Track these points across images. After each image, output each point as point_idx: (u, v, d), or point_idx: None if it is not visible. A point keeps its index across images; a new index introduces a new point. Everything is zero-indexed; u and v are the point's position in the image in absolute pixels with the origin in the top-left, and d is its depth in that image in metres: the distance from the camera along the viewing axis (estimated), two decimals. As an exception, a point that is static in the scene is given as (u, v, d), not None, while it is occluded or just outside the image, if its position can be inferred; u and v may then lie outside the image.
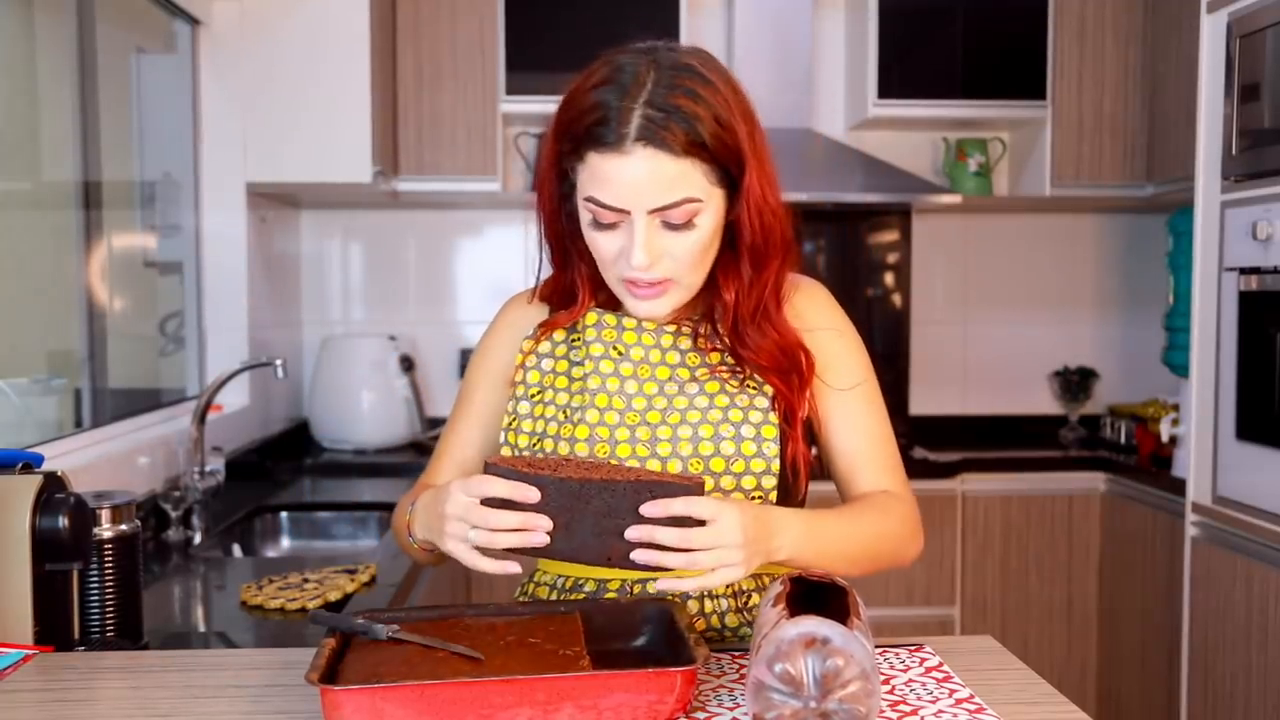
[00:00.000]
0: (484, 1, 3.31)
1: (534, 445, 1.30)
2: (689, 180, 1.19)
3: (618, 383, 1.30)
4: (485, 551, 1.13)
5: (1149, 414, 3.37)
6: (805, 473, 1.30)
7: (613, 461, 1.26)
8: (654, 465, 1.25)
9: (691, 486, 1.09)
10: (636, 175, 1.17)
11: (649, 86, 1.18)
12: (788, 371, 1.29)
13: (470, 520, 1.10)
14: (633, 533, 1.08)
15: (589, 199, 1.21)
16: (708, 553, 1.08)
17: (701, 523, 1.08)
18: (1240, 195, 2.48)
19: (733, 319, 1.29)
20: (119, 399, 2.59)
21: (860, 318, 1.41)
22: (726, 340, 1.31)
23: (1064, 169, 3.46)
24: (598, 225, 1.23)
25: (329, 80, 2.94)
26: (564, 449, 1.27)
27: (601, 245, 1.24)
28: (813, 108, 3.58)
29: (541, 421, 1.31)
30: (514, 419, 1.33)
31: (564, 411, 1.30)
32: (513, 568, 1.12)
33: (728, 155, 1.20)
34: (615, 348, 1.32)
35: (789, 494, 1.29)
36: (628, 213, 1.19)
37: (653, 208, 1.18)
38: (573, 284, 1.34)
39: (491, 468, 1.11)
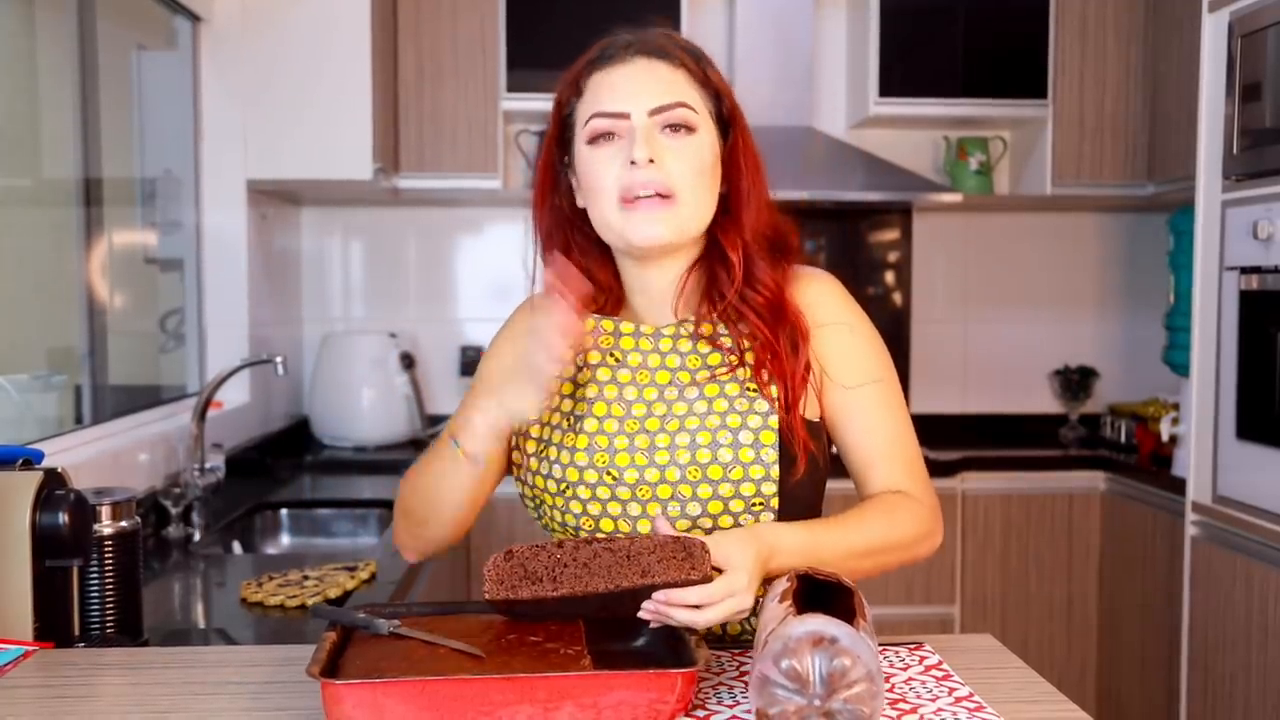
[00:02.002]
0: (485, -1, 3.31)
1: (540, 452, 1.29)
2: (685, 89, 1.26)
3: (616, 390, 1.29)
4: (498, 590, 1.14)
5: (1149, 413, 3.37)
6: (803, 455, 1.24)
7: (609, 521, 1.25)
8: (652, 474, 1.23)
9: (696, 582, 1.06)
10: (636, 77, 1.25)
11: (646, 34, 1.30)
12: (784, 321, 1.27)
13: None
14: (647, 616, 1.09)
15: (592, 116, 1.26)
16: (718, 619, 1.09)
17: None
18: (1241, 195, 2.47)
19: (742, 270, 1.28)
20: (119, 396, 2.59)
21: (861, 316, 1.39)
22: (731, 312, 1.28)
23: (1065, 168, 3.46)
24: (596, 144, 1.26)
25: (330, 77, 2.94)
26: (565, 457, 1.26)
27: (600, 164, 1.25)
28: (814, 106, 3.58)
29: (546, 429, 1.31)
30: (522, 425, 1.32)
31: (567, 419, 1.29)
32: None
33: (719, 87, 1.29)
34: (613, 354, 1.30)
35: (789, 469, 1.24)
36: (627, 116, 1.24)
37: (652, 107, 1.24)
38: None
39: (490, 594, 1.11)
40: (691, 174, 1.24)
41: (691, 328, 1.30)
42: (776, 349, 1.26)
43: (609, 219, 1.26)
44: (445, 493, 1.27)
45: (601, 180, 1.25)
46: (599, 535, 1.21)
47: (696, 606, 1.07)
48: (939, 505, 1.31)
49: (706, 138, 1.26)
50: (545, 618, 1.15)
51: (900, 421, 1.32)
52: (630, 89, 1.24)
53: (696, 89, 1.27)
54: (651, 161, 1.22)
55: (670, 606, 1.07)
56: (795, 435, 1.25)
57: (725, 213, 1.30)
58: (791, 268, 1.33)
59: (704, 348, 1.29)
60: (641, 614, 1.08)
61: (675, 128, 1.24)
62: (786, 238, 1.32)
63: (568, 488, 1.26)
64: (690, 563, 1.06)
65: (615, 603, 1.09)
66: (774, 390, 1.26)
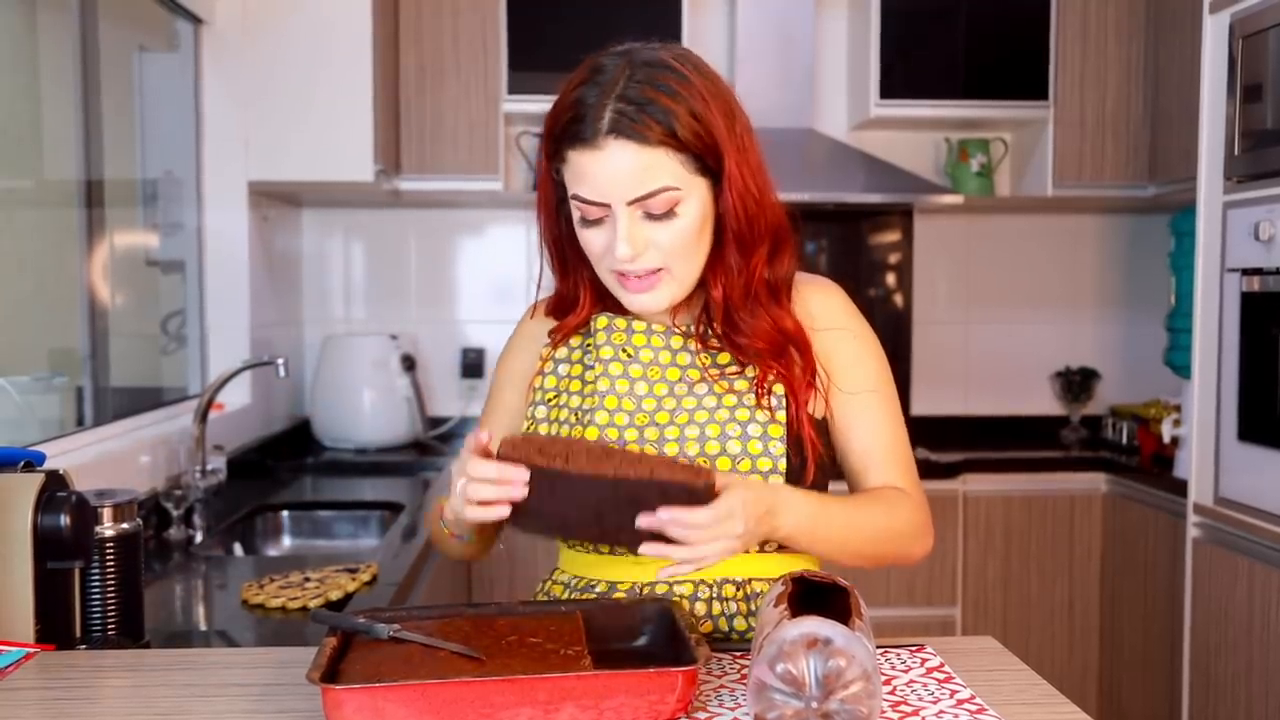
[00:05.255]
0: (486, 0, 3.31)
1: None
2: (664, 169, 1.21)
3: (627, 384, 1.31)
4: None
5: (1151, 415, 3.37)
6: (813, 457, 1.29)
7: (630, 448, 1.27)
8: None
9: (699, 487, 1.10)
10: (611, 168, 1.20)
11: (622, 82, 1.21)
12: (785, 354, 1.30)
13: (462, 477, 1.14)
14: (644, 520, 1.09)
15: (573, 197, 1.24)
16: (712, 545, 1.11)
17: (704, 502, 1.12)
18: (1242, 196, 2.47)
19: (723, 310, 1.30)
20: (121, 397, 2.59)
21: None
22: (721, 339, 1.32)
23: (1066, 169, 3.46)
24: (585, 222, 1.25)
25: (331, 79, 2.94)
26: None
27: (591, 241, 1.26)
28: (815, 108, 3.57)
29: (556, 425, 1.33)
30: (531, 423, 1.36)
31: (576, 414, 1.32)
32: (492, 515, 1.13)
33: (703, 147, 1.22)
34: (625, 350, 1.33)
35: (797, 481, 1.28)
36: (609, 206, 1.22)
37: (630, 199, 1.21)
38: (574, 289, 1.36)
39: (504, 454, 1.12)
40: (679, 249, 1.24)
41: (702, 328, 1.34)
42: (779, 368, 1.30)
43: (607, 283, 1.29)
44: (450, 546, 1.34)
45: (593, 251, 1.27)
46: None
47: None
48: (930, 512, 1.36)
49: (692, 204, 1.23)
50: (546, 517, 1.14)
51: (897, 430, 1.36)
52: (606, 180, 1.20)
53: (678, 159, 1.21)
54: (636, 256, 1.23)
55: (668, 523, 1.09)
56: (804, 434, 1.28)
57: (717, 246, 1.29)
58: (795, 276, 1.35)
59: (714, 345, 1.33)
60: (640, 520, 1.09)
61: (656, 215, 1.22)
62: (785, 240, 1.32)
63: None
64: (694, 472, 1.12)
65: (613, 510, 1.11)
66: (779, 389, 1.29)
